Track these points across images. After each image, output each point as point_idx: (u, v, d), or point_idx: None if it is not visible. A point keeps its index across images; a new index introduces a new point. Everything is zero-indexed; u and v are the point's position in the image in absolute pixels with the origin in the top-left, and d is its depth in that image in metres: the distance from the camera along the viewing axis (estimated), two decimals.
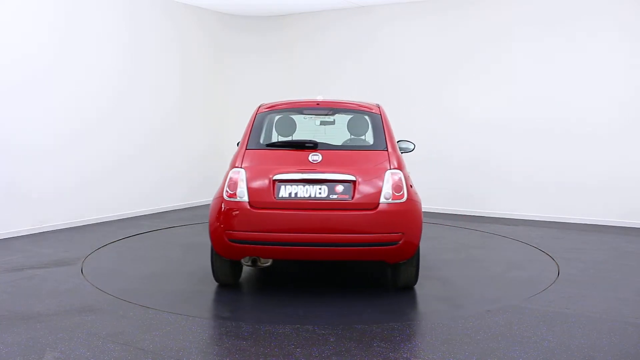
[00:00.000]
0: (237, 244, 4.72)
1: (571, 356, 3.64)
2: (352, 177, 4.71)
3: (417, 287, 5.31)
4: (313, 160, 4.83)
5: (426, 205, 9.05)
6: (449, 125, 8.97)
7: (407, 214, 4.73)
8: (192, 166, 9.59)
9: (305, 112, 5.51)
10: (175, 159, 9.29)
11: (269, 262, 5.24)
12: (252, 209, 4.69)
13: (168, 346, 3.79)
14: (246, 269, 5.65)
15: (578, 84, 8.08)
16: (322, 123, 5.95)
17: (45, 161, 7.34)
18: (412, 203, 4.78)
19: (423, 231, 4.91)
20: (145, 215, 8.68)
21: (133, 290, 5.06)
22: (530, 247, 6.71)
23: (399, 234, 4.65)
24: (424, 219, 4.76)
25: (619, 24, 7.79)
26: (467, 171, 8.87)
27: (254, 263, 5.16)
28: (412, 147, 6.24)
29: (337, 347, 3.77)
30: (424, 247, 6.77)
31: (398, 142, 6.40)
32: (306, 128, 5.89)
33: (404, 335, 4.00)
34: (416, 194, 4.96)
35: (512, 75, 8.52)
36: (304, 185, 4.72)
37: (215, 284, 5.23)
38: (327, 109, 5.48)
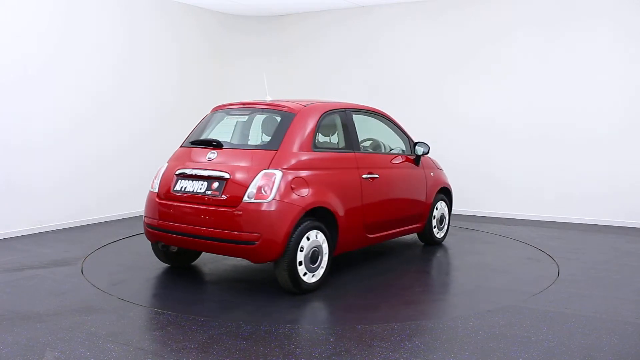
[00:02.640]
0: (149, 229, 5.34)
1: (571, 356, 3.64)
2: (226, 175, 4.87)
3: (415, 287, 5.30)
4: (208, 159, 5.12)
5: None
6: (450, 125, 8.97)
7: (268, 215, 4.64)
8: None
9: (231, 113, 5.66)
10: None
11: (176, 248, 5.60)
12: (157, 199, 5.26)
13: (168, 346, 3.80)
14: (207, 259, 5.91)
15: (578, 85, 8.08)
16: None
17: (43, 159, 7.34)
18: (279, 205, 4.66)
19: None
20: None
21: (133, 290, 5.06)
22: (530, 247, 6.71)
23: (256, 234, 4.62)
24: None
25: (620, 27, 7.78)
26: (468, 171, 8.86)
27: (164, 247, 5.55)
28: (424, 149, 6.34)
29: (337, 347, 3.77)
30: (420, 246, 6.77)
31: (416, 143, 6.38)
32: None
33: (404, 335, 4.00)
34: (300, 197, 4.77)
35: (512, 77, 8.52)
36: (192, 181, 5.08)
37: (217, 284, 5.24)
38: (247, 109, 5.59)
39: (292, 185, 4.78)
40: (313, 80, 10.01)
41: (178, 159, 5.40)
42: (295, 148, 4.96)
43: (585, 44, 8.01)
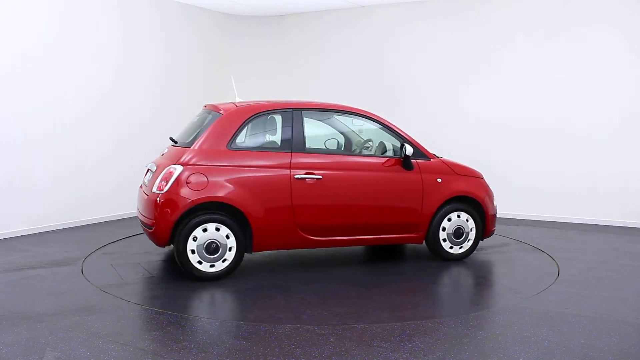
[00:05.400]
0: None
1: (571, 356, 3.65)
2: (154, 168, 5.63)
3: (415, 286, 5.30)
4: (162, 154, 5.88)
5: None
6: (450, 125, 8.96)
7: (160, 205, 5.20)
8: None
9: (197, 114, 6.18)
10: None
11: None
12: (139, 188, 5.97)
13: (168, 346, 3.80)
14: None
15: (579, 86, 8.07)
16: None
17: (42, 158, 7.32)
18: (170, 196, 5.17)
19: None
20: None
21: (133, 290, 5.06)
22: (530, 247, 6.71)
23: (153, 221, 5.29)
24: None
25: (621, 28, 7.78)
26: None
27: None
28: (408, 151, 5.76)
29: (337, 347, 3.77)
30: (416, 246, 6.77)
31: (402, 145, 5.88)
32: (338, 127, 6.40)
33: (404, 335, 4.00)
34: (193, 191, 5.16)
35: (514, 77, 8.51)
36: (147, 173, 5.83)
37: (216, 284, 5.24)
38: (204, 110, 6.03)
39: (188, 180, 5.20)
40: (314, 81, 9.99)
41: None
42: (206, 146, 5.36)
43: (586, 47, 7.98)
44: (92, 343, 3.82)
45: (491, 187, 6.40)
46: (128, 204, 8.36)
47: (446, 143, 8.87)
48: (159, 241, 5.32)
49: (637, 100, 7.75)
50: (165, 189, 5.19)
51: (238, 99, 6.10)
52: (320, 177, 5.54)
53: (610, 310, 4.52)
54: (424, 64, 9.16)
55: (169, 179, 5.21)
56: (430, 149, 7.31)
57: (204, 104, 6.25)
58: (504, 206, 8.72)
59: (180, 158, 5.32)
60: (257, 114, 5.58)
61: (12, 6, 6.93)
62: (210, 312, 4.53)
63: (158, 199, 5.21)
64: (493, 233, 6.34)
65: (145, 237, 6.62)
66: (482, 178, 6.33)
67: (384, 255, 6.42)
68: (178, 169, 5.23)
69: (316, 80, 9.97)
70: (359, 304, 4.69)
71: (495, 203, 6.31)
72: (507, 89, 8.57)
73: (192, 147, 5.37)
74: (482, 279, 5.53)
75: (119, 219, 8.28)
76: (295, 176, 5.46)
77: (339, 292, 5.04)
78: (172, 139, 6.00)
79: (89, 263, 5.89)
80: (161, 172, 5.35)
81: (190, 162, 5.25)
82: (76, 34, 7.69)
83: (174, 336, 3.97)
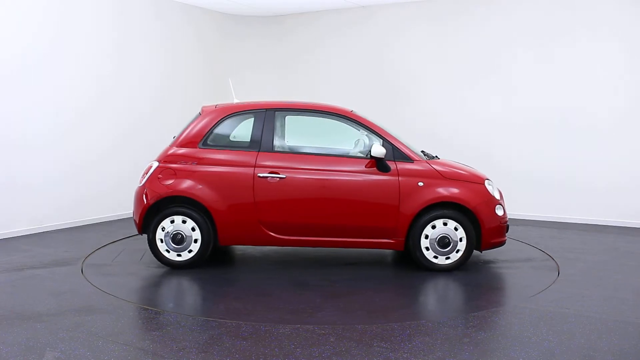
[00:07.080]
0: None
1: (571, 356, 3.65)
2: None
3: (415, 287, 5.30)
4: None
5: None
6: (448, 125, 8.96)
7: (136, 197, 5.76)
8: None
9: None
10: None
11: None
12: None
13: (168, 346, 3.80)
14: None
15: (579, 85, 8.08)
16: None
17: (42, 157, 7.32)
18: (143, 190, 5.68)
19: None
20: None
21: (133, 290, 5.07)
22: (530, 247, 6.71)
23: (133, 210, 5.85)
24: None
25: (622, 28, 7.79)
26: None
27: None
28: (376, 152, 5.51)
29: (337, 347, 3.77)
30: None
31: (372, 146, 5.60)
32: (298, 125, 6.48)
33: (404, 335, 4.00)
34: (162, 185, 5.59)
35: (513, 75, 8.51)
36: None
37: (216, 284, 5.24)
38: (200, 111, 6.17)
39: (160, 175, 5.65)
40: (315, 82, 9.97)
41: None
42: (181, 144, 5.77)
43: (586, 46, 7.99)
44: (92, 343, 3.82)
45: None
46: (128, 204, 8.36)
47: (444, 142, 8.88)
48: (136, 229, 5.80)
49: (637, 100, 7.75)
50: (142, 182, 5.71)
51: (236, 100, 6.18)
52: (284, 176, 5.60)
53: (610, 310, 4.52)
54: (426, 64, 9.15)
55: (147, 174, 5.71)
56: (433, 149, 7.33)
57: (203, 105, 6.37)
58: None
59: (161, 154, 5.80)
60: (230, 114, 5.84)
61: (9, 5, 6.92)
62: (211, 312, 4.52)
63: (141, 192, 5.70)
64: (500, 244, 5.77)
65: (142, 238, 6.62)
66: (483, 184, 5.74)
67: (384, 259, 6.43)
68: (154, 164, 5.72)
69: (316, 81, 9.96)
70: (267, 303, 4.67)
71: (500, 212, 5.67)
72: (508, 90, 8.57)
73: (170, 145, 5.82)
74: (482, 279, 5.52)
75: (119, 219, 8.28)
76: (259, 175, 5.58)
77: (272, 291, 5.04)
78: (174, 138, 6.23)
79: (89, 263, 5.90)
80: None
81: (165, 159, 5.71)
82: (74, 33, 7.68)
83: (174, 336, 3.97)
